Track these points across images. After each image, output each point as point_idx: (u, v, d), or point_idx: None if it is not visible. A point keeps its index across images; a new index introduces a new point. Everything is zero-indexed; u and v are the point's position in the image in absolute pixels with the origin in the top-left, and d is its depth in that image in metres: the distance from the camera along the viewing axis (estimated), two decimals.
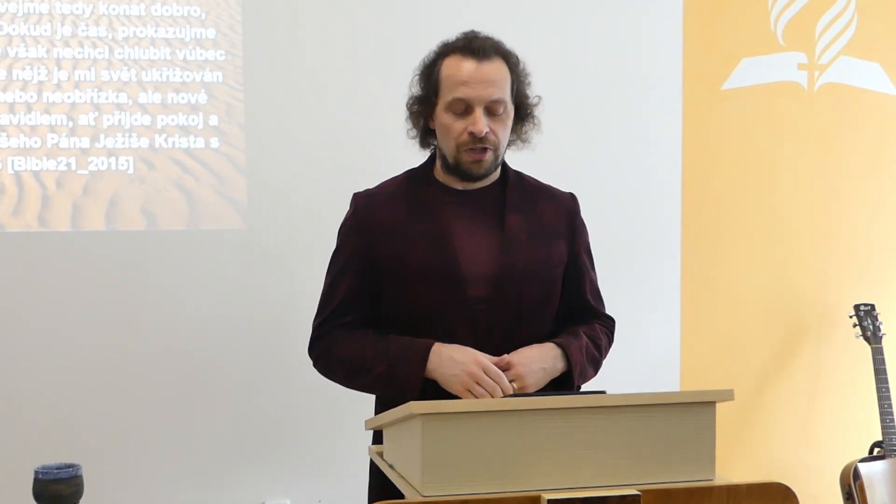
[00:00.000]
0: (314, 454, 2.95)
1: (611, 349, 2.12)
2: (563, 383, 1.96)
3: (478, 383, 1.83)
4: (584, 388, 2.02)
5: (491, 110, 1.92)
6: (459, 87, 1.91)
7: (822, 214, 3.38)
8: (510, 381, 1.85)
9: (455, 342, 1.89)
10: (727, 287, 3.31)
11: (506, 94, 1.94)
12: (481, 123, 1.90)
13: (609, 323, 2.13)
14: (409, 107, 2.03)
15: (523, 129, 2.04)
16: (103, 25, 2.81)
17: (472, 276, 1.93)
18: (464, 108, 1.92)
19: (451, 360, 1.86)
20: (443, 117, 1.94)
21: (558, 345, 1.95)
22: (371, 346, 1.94)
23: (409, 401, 1.53)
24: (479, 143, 1.91)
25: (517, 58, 1.99)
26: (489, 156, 1.94)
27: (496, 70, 1.93)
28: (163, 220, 2.86)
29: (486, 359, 1.86)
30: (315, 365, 2.04)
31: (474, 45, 1.93)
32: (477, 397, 1.82)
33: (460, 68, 1.92)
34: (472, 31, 1.98)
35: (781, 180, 3.35)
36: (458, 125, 1.92)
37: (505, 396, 1.83)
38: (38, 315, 2.80)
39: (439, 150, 2.01)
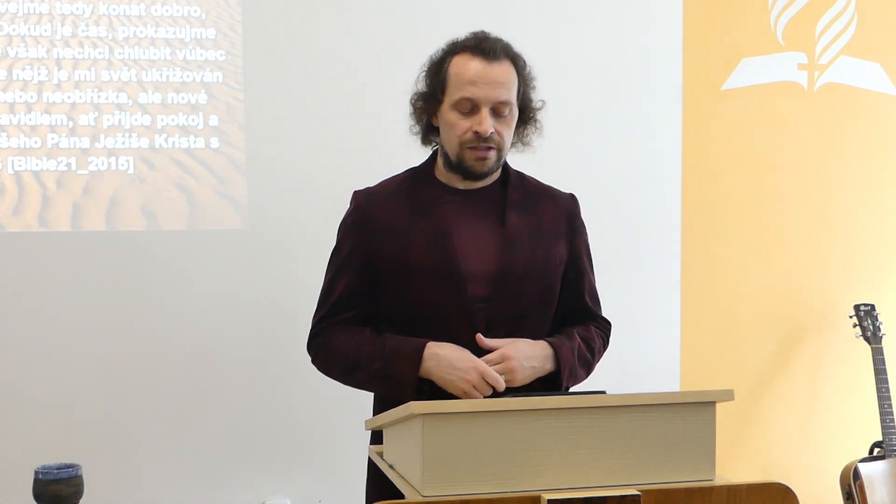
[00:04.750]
0: (314, 454, 2.95)
1: (606, 351, 2.12)
2: (552, 383, 1.97)
3: (475, 388, 1.84)
4: (584, 388, 2.03)
5: (497, 111, 1.93)
6: (467, 87, 1.91)
7: (823, 214, 3.38)
8: (501, 374, 1.87)
9: (454, 341, 1.90)
10: (727, 287, 3.31)
11: (512, 96, 1.94)
12: (487, 123, 1.90)
13: (605, 326, 2.14)
14: (413, 103, 2.03)
15: (525, 132, 2.05)
16: (103, 25, 2.81)
17: (472, 275, 1.93)
18: (470, 108, 1.92)
19: (449, 364, 1.86)
20: (448, 115, 1.94)
21: (551, 345, 1.96)
22: (368, 343, 1.94)
23: (405, 399, 1.53)
24: (483, 142, 1.92)
25: (524, 61, 2.00)
26: (493, 155, 1.94)
27: (505, 72, 1.93)
28: (163, 220, 2.86)
29: (484, 365, 1.86)
30: (313, 361, 2.05)
31: (485, 46, 1.93)
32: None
33: (469, 67, 1.92)
34: (483, 32, 1.98)
35: (781, 180, 3.35)
36: (464, 124, 1.92)
37: (504, 396, 1.83)
38: (38, 315, 2.80)
39: (441, 148, 2.01)
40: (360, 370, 1.95)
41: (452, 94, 1.93)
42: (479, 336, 1.90)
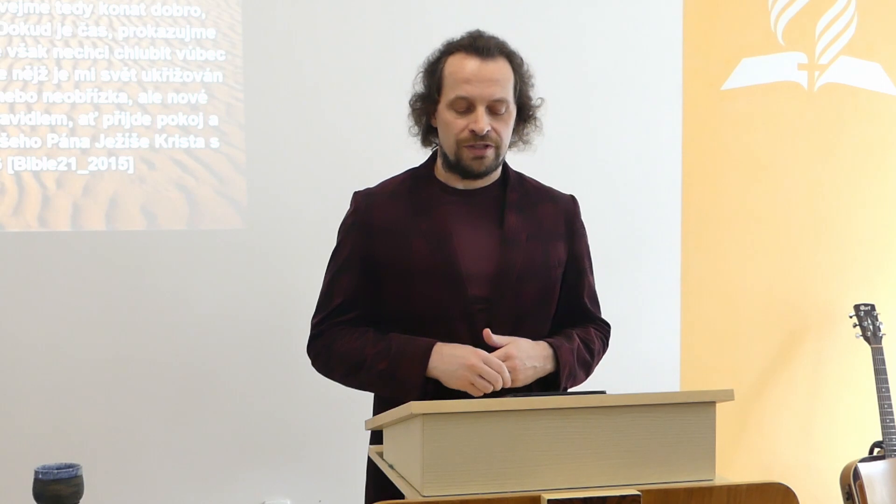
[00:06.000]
0: (314, 454, 2.95)
1: (605, 353, 2.12)
2: (551, 383, 1.97)
3: (479, 375, 1.83)
4: (584, 388, 2.03)
5: (493, 109, 1.93)
6: (462, 85, 1.91)
7: (822, 214, 3.38)
8: None
9: (454, 341, 1.90)
10: (727, 287, 3.31)
11: (508, 93, 1.94)
12: (483, 122, 1.90)
13: (605, 328, 2.14)
14: (412, 104, 2.04)
15: (525, 131, 2.05)
16: (103, 25, 2.81)
17: (472, 276, 1.93)
18: (466, 107, 1.92)
19: (451, 356, 1.87)
20: (445, 115, 1.95)
21: (551, 345, 1.96)
22: (372, 344, 1.94)
23: (409, 400, 1.53)
24: (479, 140, 1.92)
25: (521, 58, 2.00)
26: (490, 153, 1.94)
27: (499, 69, 1.93)
28: (163, 220, 2.86)
29: (487, 353, 1.86)
30: (313, 363, 2.04)
31: (478, 44, 1.93)
32: (479, 390, 1.83)
33: (463, 66, 1.92)
34: (478, 31, 1.99)
35: (781, 180, 3.35)
36: (460, 123, 1.93)
37: (503, 396, 1.83)
38: (38, 315, 2.80)
39: (440, 148, 2.01)
40: (365, 371, 1.94)
41: (448, 94, 1.94)
42: (487, 331, 1.89)
